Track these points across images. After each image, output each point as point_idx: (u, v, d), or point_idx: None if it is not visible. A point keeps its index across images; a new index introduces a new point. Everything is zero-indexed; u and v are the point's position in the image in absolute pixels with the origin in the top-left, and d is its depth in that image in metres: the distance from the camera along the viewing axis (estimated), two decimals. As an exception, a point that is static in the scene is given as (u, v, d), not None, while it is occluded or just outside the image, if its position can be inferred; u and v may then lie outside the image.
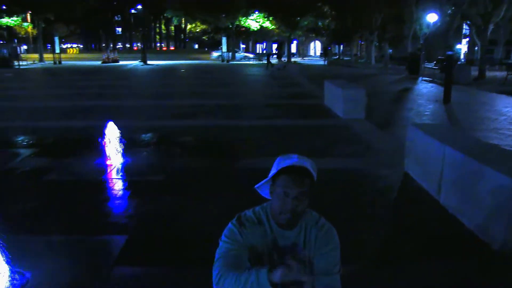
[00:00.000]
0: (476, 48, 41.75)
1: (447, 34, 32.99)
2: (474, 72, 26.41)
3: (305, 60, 60.66)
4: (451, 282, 3.84)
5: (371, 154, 8.20)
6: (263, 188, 2.31)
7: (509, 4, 27.78)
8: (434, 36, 37.01)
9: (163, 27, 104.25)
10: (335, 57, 61.65)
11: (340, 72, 30.43)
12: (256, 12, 51.23)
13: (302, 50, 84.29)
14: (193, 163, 7.56)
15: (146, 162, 7.66)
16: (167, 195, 5.88)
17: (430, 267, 4.04)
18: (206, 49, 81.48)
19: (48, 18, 46.44)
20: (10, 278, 3.49)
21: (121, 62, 43.34)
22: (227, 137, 9.82)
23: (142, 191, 6.11)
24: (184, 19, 64.03)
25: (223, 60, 46.86)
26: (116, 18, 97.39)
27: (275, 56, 39.14)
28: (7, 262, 3.38)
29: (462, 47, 57.13)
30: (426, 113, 13.58)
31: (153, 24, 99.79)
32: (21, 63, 37.28)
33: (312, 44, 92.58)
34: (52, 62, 41.32)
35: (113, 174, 6.86)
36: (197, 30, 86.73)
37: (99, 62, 42.90)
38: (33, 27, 49.65)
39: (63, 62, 41.58)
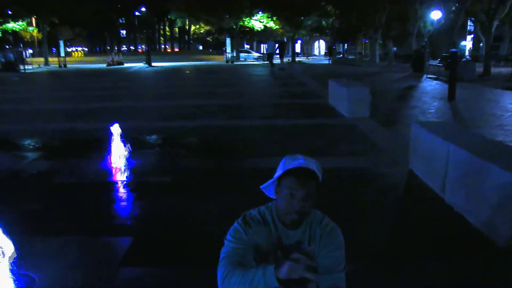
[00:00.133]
0: (481, 44, 41.64)
1: (451, 31, 32.87)
2: (480, 68, 26.31)
3: (310, 60, 60.61)
4: (457, 281, 3.83)
5: (376, 153, 8.21)
6: (268, 187, 2.33)
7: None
8: (438, 33, 36.86)
9: (167, 28, 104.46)
10: (339, 56, 61.56)
11: (345, 71, 30.36)
12: (260, 13, 51.23)
13: (307, 50, 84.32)
14: (199, 164, 7.60)
15: (151, 163, 7.70)
16: (172, 196, 5.91)
17: (436, 266, 4.03)
18: (211, 50, 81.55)
19: (53, 21, 46.66)
20: (17, 281, 3.51)
21: (126, 65, 43.42)
22: (232, 137, 9.85)
23: (148, 192, 6.15)
24: (188, 20, 64.11)
25: (227, 61, 46.88)
26: (121, 21, 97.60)
27: (277, 56, 38.71)
28: (14, 264, 3.41)
29: (467, 43, 56.90)
30: (430, 110, 13.56)
31: (157, 26, 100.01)
32: (26, 67, 37.39)
33: (316, 44, 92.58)
34: (57, 65, 41.44)
35: (119, 176, 6.91)
36: (201, 31, 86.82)
37: (104, 65, 43.02)
38: (38, 31, 49.91)
39: (68, 66, 41.68)
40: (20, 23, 45.63)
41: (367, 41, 62.16)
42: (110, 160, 7.30)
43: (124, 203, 5.88)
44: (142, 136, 9.75)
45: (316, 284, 1.94)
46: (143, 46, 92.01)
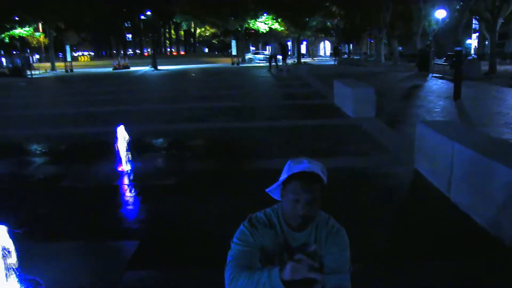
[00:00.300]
0: (486, 42, 41.48)
1: (456, 29, 32.76)
2: (485, 67, 26.21)
3: (315, 61, 60.54)
4: (463, 281, 3.83)
5: (381, 152, 8.21)
6: (274, 190, 2.35)
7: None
8: (443, 32, 36.80)
9: (172, 32, 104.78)
10: (344, 56, 61.49)
11: (350, 71, 30.33)
12: (265, 15, 51.21)
13: (312, 51, 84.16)
14: (205, 167, 7.63)
15: (157, 166, 7.77)
16: (178, 199, 5.94)
17: (441, 265, 4.04)
18: (216, 52, 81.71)
19: (59, 27, 46.88)
20: (23, 285, 3.53)
21: (132, 68, 43.52)
22: (237, 139, 9.88)
23: (154, 195, 6.19)
24: (193, 23, 64.24)
25: (233, 63, 46.91)
26: (126, 25, 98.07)
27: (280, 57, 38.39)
28: (21, 269, 3.43)
29: (472, 42, 56.72)
30: (436, 110, 13.54)
31: (162, 29, 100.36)
32: (33, 72, 37.59)
33: (321, 44, 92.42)
34: (64, 70, 41.61)
35: (125, 180, 6.96)
36: (207, 34, 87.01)
37: (110, 69, 43.13)
38: (45, 37, 50.14)
39: (74, 70, 41.82)
40: (27, 29, 45.86)
41: (372, 41, 62.06)
42: (116, 163, 7.34)
43: (130, 207, 5.92)
44: (147, 139, 9.81)
45: (322, 285, 1.95)
46: (149, 50, 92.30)
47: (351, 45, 64.87)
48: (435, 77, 24.57)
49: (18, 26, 44.55)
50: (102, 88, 24.35)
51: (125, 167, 7.28)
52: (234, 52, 48.31)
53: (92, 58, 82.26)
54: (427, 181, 6.32)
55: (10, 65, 39.17)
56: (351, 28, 53.51)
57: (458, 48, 16.73)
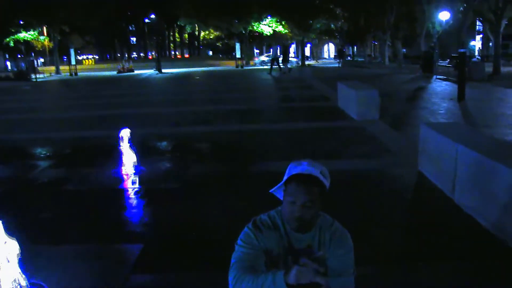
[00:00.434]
0: (490, 44, 41.37)
1: (460, 31, 32.69)
2: (489, 68, 26.15)
3: (319, 63, 60.54)
4: (467, 282, 3.82)
5: (385, 154, 8.21)
6: (278, 191, 2.34)
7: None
8: (447, 34, 36.74)
9: (177, 35, 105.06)
10: (348, 58, 61.47)
11: (354, 73, 30.31)
12: (269, 17, 51.25)
13: (316, 53, 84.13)
14: (210, 169, 7.65)
15: (161, 169, 7.78)
16: (182, 202, 5.94)
17: (446, 267, 4.03)
18: (221, 55, 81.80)
19: (63, 30, 47.06)
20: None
21: (136, 71, 43.64)
22: (242, 141, 9.89)
23: (158, 198, 6.20)
24: (197, 26, 64.35)
25: (237, 66, 46.92)
26: (130, 28, 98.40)
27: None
28: (26, 273, 3.42)
29: (476, 43, 56.60)
30: (440, 111, 13.51)
31: (167, 32, 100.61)
32: (38, 75, 37.75)
33: (325, 47, 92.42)
34: (69, 73, 41.78)
35: (129, 183, 6.98)
36: (211, 37, 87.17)
37: (114, 72, 43.26)
38: (49, 40, 50.36)
39: (79, 74, 41.99)
40: (32, 32, 46.10)
41: (376, 43, 62.03)
42: (121, 166, 7.35)
43: (134, 210, 5.94)
44: (152, 142, 9.84)
45: (326, 288, 1.96)
46: (153, 53, 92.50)
47: (355, 47, 64.86)
48: (439, 78, 24.53)
49: (23, 30, 44.78)
50: (106, 92, 24.44)
51: (130, 170, 7.30)
52: (238, 55, 48.27)
53: (96, 62, 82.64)
54: (431, 183, 6.31)
55: (15, 69, 39.37)
56: (355, 30, 53.52)
57: (462, 50, 16.72)
